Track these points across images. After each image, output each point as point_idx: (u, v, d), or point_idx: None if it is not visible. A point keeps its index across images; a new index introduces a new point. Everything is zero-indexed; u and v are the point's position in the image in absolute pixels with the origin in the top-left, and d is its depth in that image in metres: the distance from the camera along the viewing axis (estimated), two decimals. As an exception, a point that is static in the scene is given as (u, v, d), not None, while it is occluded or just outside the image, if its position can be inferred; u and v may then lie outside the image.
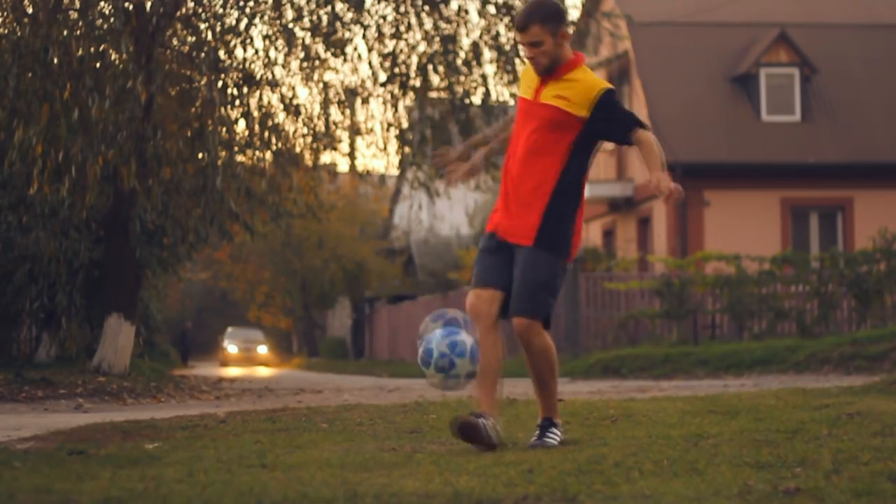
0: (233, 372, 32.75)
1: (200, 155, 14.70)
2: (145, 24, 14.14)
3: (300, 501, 3.81)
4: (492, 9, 16.05)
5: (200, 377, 21.52)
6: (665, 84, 27.63)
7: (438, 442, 5.74)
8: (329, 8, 15.48)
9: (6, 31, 13.63)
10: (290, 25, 15.42)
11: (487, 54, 16.29)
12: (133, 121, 13.61)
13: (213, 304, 61.82)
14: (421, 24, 15.99)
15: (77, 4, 13.63)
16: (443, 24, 16.01)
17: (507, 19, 15.95)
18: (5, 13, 13.76)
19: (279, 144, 15.94)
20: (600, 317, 23.62)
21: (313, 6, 15.52)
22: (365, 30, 15.93)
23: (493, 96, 16.56)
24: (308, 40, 15.65)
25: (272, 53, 15.58)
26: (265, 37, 15.50)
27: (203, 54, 14.52)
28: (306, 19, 15.59)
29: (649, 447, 5.07)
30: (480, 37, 16.16)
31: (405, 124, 17.09)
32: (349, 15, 15.75)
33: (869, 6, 29.89)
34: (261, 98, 15.69)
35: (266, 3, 15.30)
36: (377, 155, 17.84)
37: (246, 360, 46.49)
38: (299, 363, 43.14)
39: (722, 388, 11.57)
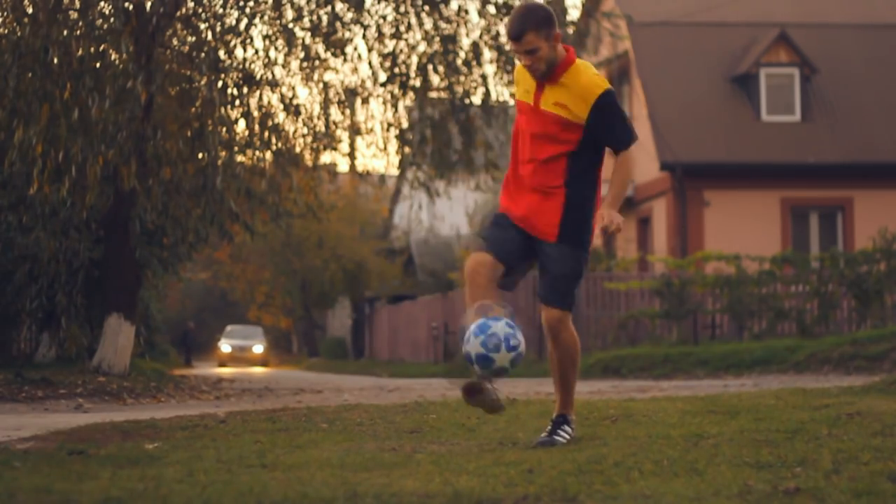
0: (225, 371, 32.26)
1: (200, 155, 14.71)
2: (145, 24, 14.15)
3: (300, 501, 3.81)
4: (492, 9, 16.06)
5: (200, 377, 21.51)
6: (665, 84, 27.63)
7: (438, 442, 5.74)
8: (329, 8, 15.49)
9: (6, 31, 13.63)
10: (290, 25, 15.43)
11: (487, 54, 16.29)
12: (133, 121, 13.61)
13: (213, 304, 61.82)
14: (421, 24, 15.99)
15: (77, 4, 13.63)
16: (443, 24, 16.02)
17: (507, 19, 15.94)
18: (5, 13, 13.76)
19: (279, 144, 15.94)
20: (600, 317, 23.61)
21: (313, 6, 15.52)
22: (365, 30, 15.94)
23: (493, 96, 16.56)
24: (308, 40, 15.65)
25: (272, 53, 15.59)
26: (265, 37, 15.50)
27: (203, 54, 14.53)
28: (306, 19, 15.59)
29: (649, 447, 5.07)
30: (480, 37, 16.16)
31: (405, 124, 17.10)
32: (349, 15, 15.75)
33: (869, 6, 29.89)
34: (261, 98, 15.70)
35: (266, 3, 15.30)
36: (377, 155, 17.84)
37: (240, 360, 44.86)
38: (301, 364, 42.83)
39: (722, 388, 11.56)
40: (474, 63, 16.23)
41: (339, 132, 16.95)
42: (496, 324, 5.25)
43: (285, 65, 15.80)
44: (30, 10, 13.45)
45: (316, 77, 16.23)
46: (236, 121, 15.58)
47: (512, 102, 16.27)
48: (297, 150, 16.56)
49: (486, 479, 4.26)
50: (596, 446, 5.24)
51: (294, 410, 8.40)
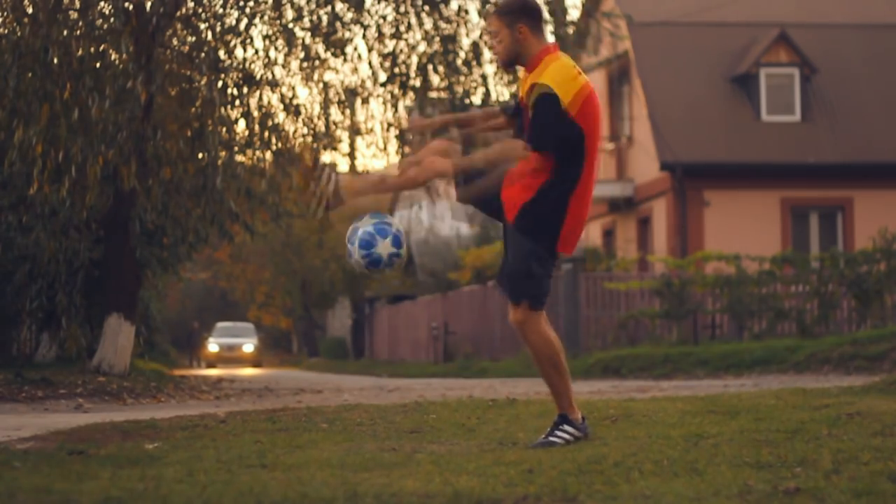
0: (215, 372, 30.08)
1: (200, 155, 14.71)
2: (145, 24, 14.14)
3: (300, 501, 3.81)
4: (492, 9, 16.05)
5: (200, 377, 21.52)
6: (665, 84, 27.63)
7: (438, 442, 5.74)
8: (329, 8, 15.48)
9: (6, 31, 13.63)
10: (290, 25, 15.43)
11: (487, 54, 16.29)
12: (133, 121, 13.61)
13: (213, 304, 61.83)
14: (421, 24, 15.99)
15: (77, 4, 13.63)
16: (443, 24, 16.01)
17: (507, 19, 15.93)
18: (5, 13, 13.76)
19: (279, 144, 15.94)
20: (600, 317, 23.61)
21: (313, 6, 15.52)
22: (365, 30, 15.93)
23: (494, 96, 16.55)
24: (308, 40, 15.65)
25: (272, 53, 15.59)
26: (265, 37, 15.50)
27: (203, 54, 14.53)
28: (306, 19, 15.59)
29: (649, 447, 5.07)
30: (480, 37, 16.16)
31: (405, 124, 17.09)
32: (349, 15, 15.75)
33: (869, 6, 29.88)
34: (261, 98, 15.70)
35: (266, 3, 15.30)
36: (377, 155, 17.84)
37: (229, 359, 41.87)
38: (301, 364, 42.54)
39: (722, 388, 11.57)
40: (474, 63, 16.23)
41: (339, 132, 16.95)
42: (395, 222, 5.51)
43: (285, 65, 15.80)
44: (30, 10, 13.44)
45: (316, 77, 16.22)
46: (236, 121, 15.58)
47: (512, 103, 16.26)
48: (297, 150, 16.56)
49: (486, 479, 4.26)
50: (596, 446, 5.24)
51: (294, 410, 8.40)
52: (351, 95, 16.49)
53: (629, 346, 21.02)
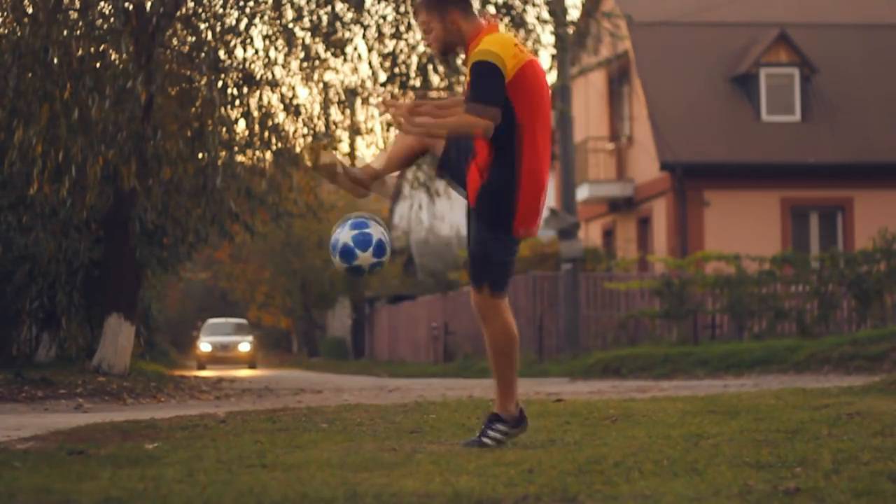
0: (207, 374, 26.77)
1: (200, 155, 14.71)
2: (145, 24, 14.15)
3: (300, 501, 3.81)
4: (492, 9, 16.05)
5: (200, 377, 21.51)
6: (665, 84, 27.63)
7: (438, 442, 5.74)
8: (329, 8, 15.48)
9: (6, 31, 13.63)
10: (290, 25, 15.42)
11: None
12: (133, 121, 13.61)
13: (213, 304, 61.79)
14: (421, 24, 15.97)
15: (77, 4, 13.63)
16: (442, 25, 16.00)
17: (507, 19, 15.94)
18: (5, 13, 13.76)
19: (279, 144, 15.94)
20: (600, 317, 23.61)
21: (313, 6, 15.52)
22: (365, 30, 15.93)
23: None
24: (308, 40, 15.65)
25: (272, 53, 15.59)
26: (265, 37, 15.50)
27: (203, 54, 14.53)
28: (306, 19, 15.59)
29: (649, 447, 5.07)
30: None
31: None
32: (349, 15, 15.74)
33: (869, 6, 29.88)
34: (261, 98, 15.69)
35: (266, 3, 15.30)
36: (377, 155, 17.83)
37: (223, 360, 38.02)
38: (301, 364, 42.29)
39: (722, 388, 11.57)
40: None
41: (339, 132, 16.95)
42: (375, 226, 5.38)
43: (285, 65, 15.80)
44: (30, 10, 13.45)
45: (316, 77, 16.22)
46: (236, 121, 15.58)
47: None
48: (297, 150, 16.56)
49: (486, 479, 4.26)
50: (596, 446, 5.24)
51: (294, 410, 8.40)
52: (351, 95, 16.49)
53: (629, 346, 21.03)
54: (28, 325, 18.95)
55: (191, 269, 32.92)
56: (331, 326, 52.05)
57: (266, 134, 15.71)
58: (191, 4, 14.97)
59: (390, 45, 16.07)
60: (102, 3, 13.78)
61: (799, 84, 27.42)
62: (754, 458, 4.63)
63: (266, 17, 15.38)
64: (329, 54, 15.94)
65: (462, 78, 16.32)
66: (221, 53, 14.93)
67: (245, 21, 15.15)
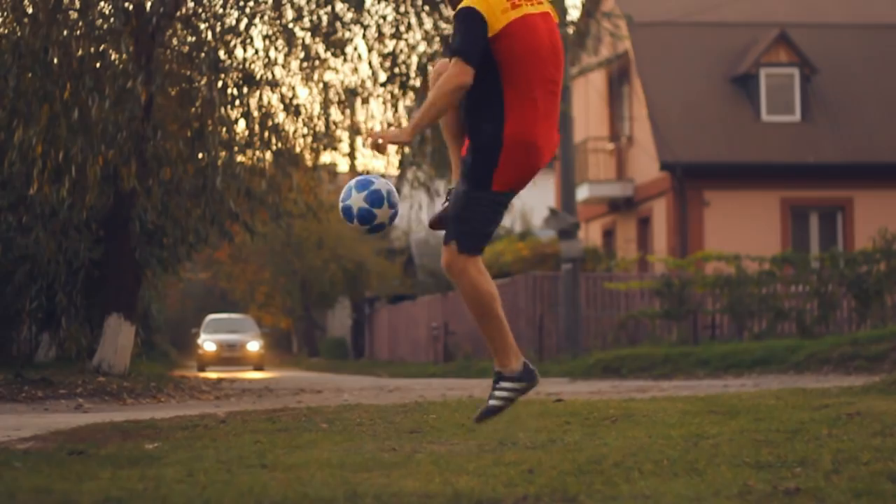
0: (212, 376, 24.77)
1: (200, 155, 14.71)
2: (145, 24, 14.15)
3: (300, 501, 3.81)
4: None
5: (200, 377, 21.50)
6: (665, 84, 27.63)
7: (438, 442, 5.74)
8: (329, 8, 15.48)
9: (6, 31, 13.63)
10: (290, 25, 15.43)
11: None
12: (133, 121, 13.61)
13: (214, 304, 61.77)
14: (421, 24, 15.98)
15: (77, 4, 13.63)
16: (443, 24, 16.01)
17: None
18: (5, 13, 13.76)
19: (279, 144, 15.94)
20: (600, 317, 23.61)
21: (313, 6, 15.52)
22: (365, 30, 15.93)
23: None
24: (308, 40, 15.65)
25: (272, 53, 15.59)
26: (265, 37, 15.50)
27: (203, 54, 14.53)
28: (306, 19, 15.59)
29: (649, 447, 5.07)
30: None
31: (405, 124, 17.09)
32: (349, 15, 15.74)
33: (869, 6, 29.90)
34: (261, 98, 15.70)
35: (266, 3, 15.30)
36: (377, 155, 17.82)
37: (230, 361, 34.02)
38: (301, 365, 42.21)
39: (722, 388, 11.57)
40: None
41: (339, 132, 16.95)
42: (378, 180, 5.32)
43: (285, 65, 15.80)
44: (30, 10, 13.45)
45: (316, 77, 16.22)
46: (236, 121, 15.58)
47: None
48: (297, 150, 16.56)
49: (486, 479, 4.26)
50: (596, 446, 5.24)
51: (294, 410, 8.40)
52: (351, 95, 16.49)
53: (629, 346, 21.03)
54: (28, 325, 18.94)
55: (191, 269, 32.86)
56: (331, 326, 52.03)
57: (266, 134, 15.71)
58: (191, 4, 14.97)
59: (390, 45, 16.08)
60: (102, 3, 13.78)
61: (799, 84, 27.42)
62: (754, 458, 4.63)
63: (266, 17, 15.38)
64: (329, 54, 15.94)
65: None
66: (221, 53, 14.93)
67: (245, 21, 15.16)
